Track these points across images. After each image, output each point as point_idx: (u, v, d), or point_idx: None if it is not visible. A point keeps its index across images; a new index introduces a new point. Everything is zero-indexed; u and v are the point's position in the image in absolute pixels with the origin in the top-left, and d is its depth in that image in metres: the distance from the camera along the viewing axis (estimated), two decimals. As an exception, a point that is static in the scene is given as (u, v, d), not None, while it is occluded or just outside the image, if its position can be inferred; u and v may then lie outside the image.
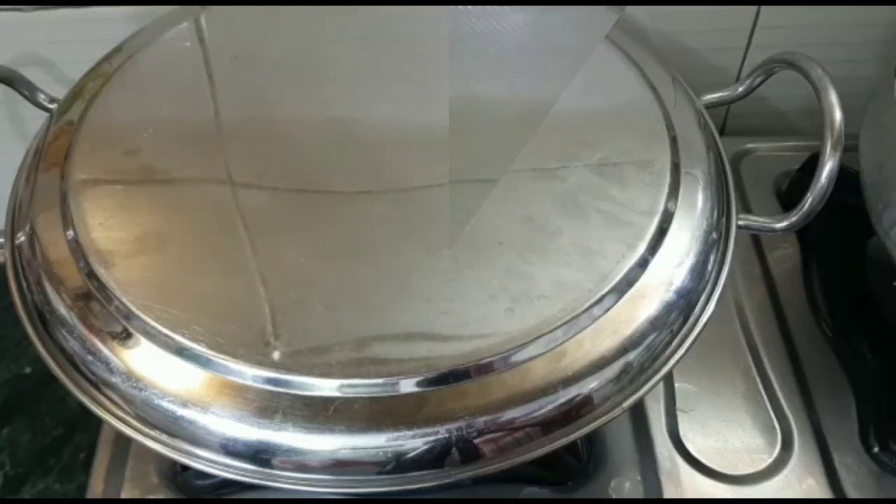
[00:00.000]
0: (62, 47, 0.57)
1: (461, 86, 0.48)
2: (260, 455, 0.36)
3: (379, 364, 0.36)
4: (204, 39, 0.50)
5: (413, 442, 0.36)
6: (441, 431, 0.36)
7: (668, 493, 0.47)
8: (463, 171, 0.43)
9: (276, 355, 0.36)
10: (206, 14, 0.51)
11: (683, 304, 0.40)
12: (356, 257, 0.40)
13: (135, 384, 0.37)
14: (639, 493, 0.48)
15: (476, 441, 0.36)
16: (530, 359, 0.37)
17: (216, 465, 0.37)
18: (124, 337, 0.37)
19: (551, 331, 0.37)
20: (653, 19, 0.60)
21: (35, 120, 0.49)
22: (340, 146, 0.44)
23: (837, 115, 0.41)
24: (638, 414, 0.50)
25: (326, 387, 0.36)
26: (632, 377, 0.39)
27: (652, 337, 0.39)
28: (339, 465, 0.36)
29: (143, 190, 0.42)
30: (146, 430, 0.38)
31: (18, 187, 0.45)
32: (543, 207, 0.41)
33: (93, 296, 0.38)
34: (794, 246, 0.59)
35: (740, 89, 0.49)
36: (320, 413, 0.35)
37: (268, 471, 0.37)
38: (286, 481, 0.37)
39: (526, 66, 0.49)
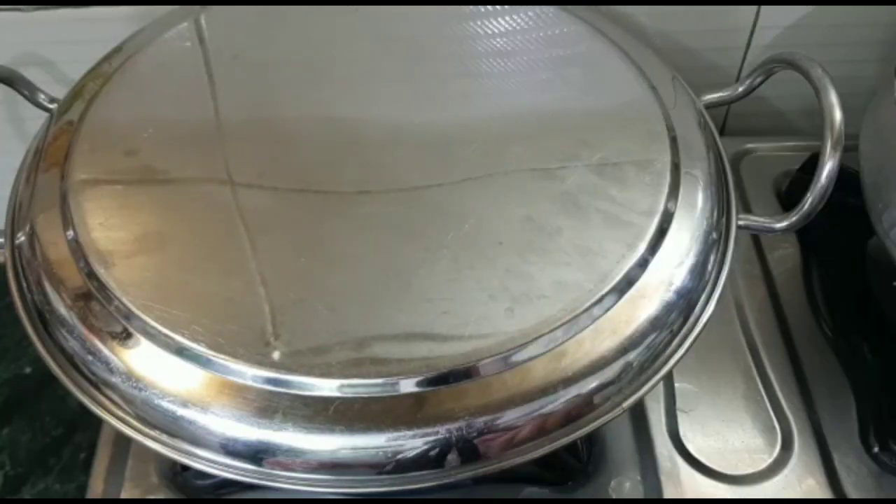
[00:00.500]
0: (62, 47, 0.57)
1: (461, 86, 0.48)
2: (260, 455, 0.36)
3: (379, 364, 0.36)
4: (204, 39, 0.50)
5: (413, 442, 0.36)
6: (441, 431, 0.36)
7: (668, 493, 0.47)
8: (463, 171, 0.43)
9: (276, 355, 0.36)
10: (206, 14, 0.51)
11: (683, 304, 0.40)
12: (356, 257, 0.40)
13: (135, 384, 0.37)
14: (639, 493, 0.48)
15: (476, 441, 0.36)
16: (530, 359, 0.37)
17: (216, 465, 0.37)
18: (124, 337, 0.37)
19: (551, 331, 0.37)
20: (653, 19, 0.60)
21: (35, 120, 0.49)
22: (340, 146, 0.44)
23: (837, 115, 0.41)
24: (638, 414, 0.50)
25: (326, 387, 0.36)
26: (632, 377, 0.39)
27: (652, 337, 0.39)
28: (339, 465, 0.36)
29: (143, 190, 0.42)
30: (146, 430, 0.38)
31: (18, 187, 0.45)
32: (543, 207, 0.41)
33: (93, 296, 0.38)
34: (794, 246, 0.59)
35: (740, 89, 0.49)
36: (320, 413, 0.35)
37: (268, 471, 0.37)
38: (286, 481, 0.37)
39: (526, 66, 0.49)
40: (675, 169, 0.43)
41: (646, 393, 0.39)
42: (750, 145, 0.64)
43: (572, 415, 0.37)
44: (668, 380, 0.52)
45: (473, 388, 0.36)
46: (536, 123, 0.45)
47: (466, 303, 0.38)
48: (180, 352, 0.36)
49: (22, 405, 0.58)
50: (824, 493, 0.48)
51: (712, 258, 0.42)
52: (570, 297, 0.38)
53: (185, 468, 0.49)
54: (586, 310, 0.38)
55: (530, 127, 0.45)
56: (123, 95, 0.47)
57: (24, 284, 0.41)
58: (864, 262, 0.57)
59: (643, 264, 0.39)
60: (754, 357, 0.53)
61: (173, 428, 0.37)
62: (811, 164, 0.57)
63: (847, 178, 0.46)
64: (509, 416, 0.36)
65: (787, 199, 0.61)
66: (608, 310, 0.38)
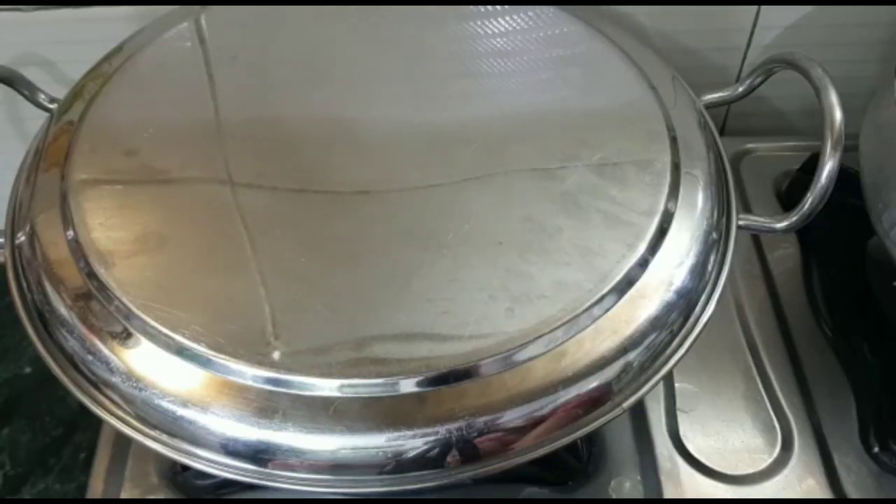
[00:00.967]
0: (62, 47, 0.57)
1: (461, 86, 0.48)
2: (260, 455, 0.36)
3: (379, 364, 0.36)
4: (204, 39, 0.50)
5: (413, 442, 0.36)
6: (441, 431, 0.36)
7: (668, 493, 0.47)
8: (463, 171, 0.43)
9: (276, 355, 0.36)
10: (206, 14, 0.51)
11: (683, 304, 0.40)
12: (356, 257, 0.40)
13: (135, 384, 0.37)
14: (639, 493, 0.48)
15: (476, 441, 0.36)
16: (530, 359, 0.37)
17: (216, 465, 0.37)
18: (124, 337, 0.37)
19: (551, 331, 0.37)
20: (653, 19, 0.60)
21: (35, 120, 0.49)
22: (341, 146, 0.44)
23: (837, 115, 0.41)
24: (638, 414, 0.50)
25: (326, 387, 0.36)
26: (632, 377, 0.39)
27: (652, 337, 0.39)
28: (339, 465, 0.36)
29: (143, 190, 0.42)
30: (146, 430, 0.38)
31: (18, 187, 0.45)
32: (543, 207, 0.41)
33: (93, 296, 0.38)
34: (794, 246, 0.59)
35: (740, 89, 0.49)
36: (320, 413, 0.35)
37: (268, 471, 0.37)
38: (286, 481, 0.37)
39: (526, 66, 0.49)
40: (675, 169, 0.43)
41: (646, 393, 0.39)
42: (750, 145, 0.64)
43: (572, 415, 0.37)
44: (668, 380, 0.52)
45: (473, 388, 0.36)
46: (536, 123, 0.45)
47: (466, 303, 0.38)
48: (180, 352, 0.36)
49: (22, 405, 0.58)
50: (824, 493, 0.48)
51: (712, 258, 0.42)
52: (570, 297, 0.38)
53: (185, 468, 0.49)
54: (586, 310, 0.38)
55: (530, 127, 0.45)
56: (123, 95, 0.47)
57: (25, 284, 0.41)
58: (864, 262, 0.57)
59: (643, 264, 0.39)
60: (754, 357, 0.53)
61: (173, 428, 0.37)
62: (811, 164, 0.57)
63: (847, 178, 0.46)
64: (509, 416, 0.36)
65: (787, 199, 0.61)
66: (608, 310, 0.38)
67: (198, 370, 0.36)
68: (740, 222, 0.44)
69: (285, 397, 0.36)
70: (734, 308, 0.55)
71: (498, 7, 0.51)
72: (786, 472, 0.48)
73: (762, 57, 0.48)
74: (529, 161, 0.43)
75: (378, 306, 0.38)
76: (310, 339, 0.37)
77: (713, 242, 0.42)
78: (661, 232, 0.41)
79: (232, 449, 0.36)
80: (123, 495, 0.48)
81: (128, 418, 0.38)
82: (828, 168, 0.41)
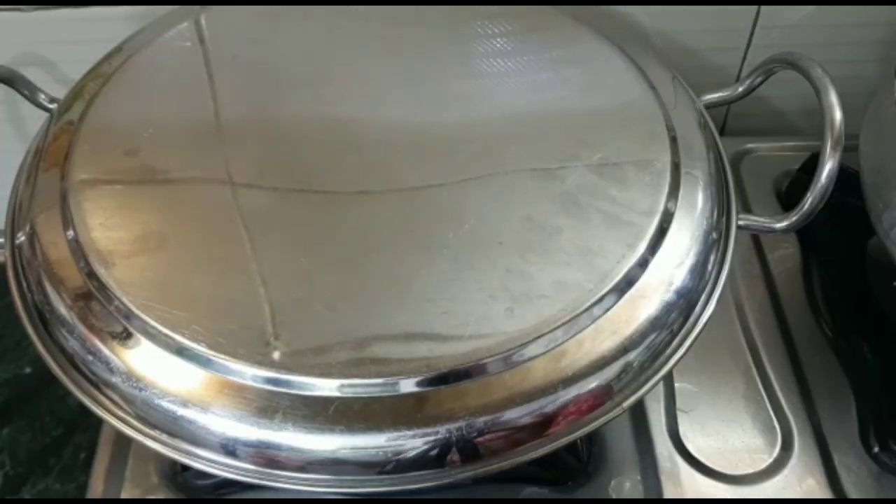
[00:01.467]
0: (62, 47, 0.57)
1: (461, 86, 0.48)
2: (260, 455, 0.36)
3: (379, 364, 0.36)
4: (204, 39, 0.50)
5: (413, 442, 0.36)
6: (441, 431, 0.36)
7: (668, 493, 0.47)
8: (463, 171, 0.43)
9: (276, 355, 0.36)
10: (206, 14, 0.51)
11: (683, 304, 0.40)
12: (356, 257, 0.40)
13: (135, 384, 0.37)
14: (639, 493, 0.48)
15: (476, 441, 0.36)
16: (530, 359, 0.37)
17: (216, 465, 0.37)
18: (124, 337, 0.37)
19: (551, 331, 0.37)
20: (653, 19, 0.60)
21: (35, 120, 0.49)
22: (341, 146, 0.44)
23: (837, 115, 0.41)
24: (638, 414, 0.50)
25: (326, 387, 0.36)
26: (632, 377, 0.39)
27: (652, 337, 0.39)
28: (339, 465, 0.36)
29: (143, 190, 0.42)
30: (146, 430, 0.38)
31: (18, 187, 0.45)
32: (543, 207, 0.41)
33: (93, 296, 0.38)
34: (794, 246, 0.59)
35: (740, 89, 0.49)
36: (320, 413, 0.35)
37: (268, 471, 0.37)
38: (286, 481, 0.37)
39: (526, 66, 0.49)
40: (675, 169, 0.43)
41: (646, 393, 0.39)
42: (750, 145, 0.64)
43: (572, 415, 0.37)
44: (668, 380, 0.52)
45: (473, 388, 0.36)
46: (536, 123, 0.45)
47: (466, 303, 0.38)
48: (180, 352, 0.36)
49: (22, 405, 0.58)
50: (824, 493, 0.48)
51: (712, 258, 0.42)
52: (570, 297, 0.38)
53: (185, 468, 0.49)
54: (586, 310, 0.38)
55: (530, 127, 0.45)
56: (123, 95, 0.47)
57: (25, 284, 0.41)
58: (864, 262, 0.57)
59: (643, 264, 0.39)
60: (754, 357, 0.53)
61: (173, 428, 0.37)
62: (811, 164, 0.57)
63: (847, 178, 0.46)
64: (509, 416, 0.36)
65: (787, 199, 0.61)
66: (608, 310, 0.38)
67: (198, 370, 0.36)
68: (740, 222, 0.44)
69: (285, 397, 0.36)
70: (734, 308, 0.55)
71: (498, 7, 0.51)
72: (786, 472, 0.48)
73: (762, 57, 0.48)
74: (529, 161, 0.43)
75: (378, 306, 0.38)
76: (310, 339, 0.37)
77: (713, 242, 0.42)
78: (661, 232, 0.41)
79: (232, 449, 0.36)
80: (123, 495, 0.48)
81: (128, 418, 0.38)
82: (828, 168, 0.41)
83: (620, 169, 0.43)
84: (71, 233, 0.40)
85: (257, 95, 0.47)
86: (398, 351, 0.36)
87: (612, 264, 0.39)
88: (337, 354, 0.36)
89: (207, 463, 0.37)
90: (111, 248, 0.39)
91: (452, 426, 0.36)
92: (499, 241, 0.40)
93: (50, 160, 0.44)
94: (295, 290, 0.38)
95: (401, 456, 0.36)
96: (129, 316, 0.37)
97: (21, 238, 0.42)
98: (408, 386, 0.36)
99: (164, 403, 0.37)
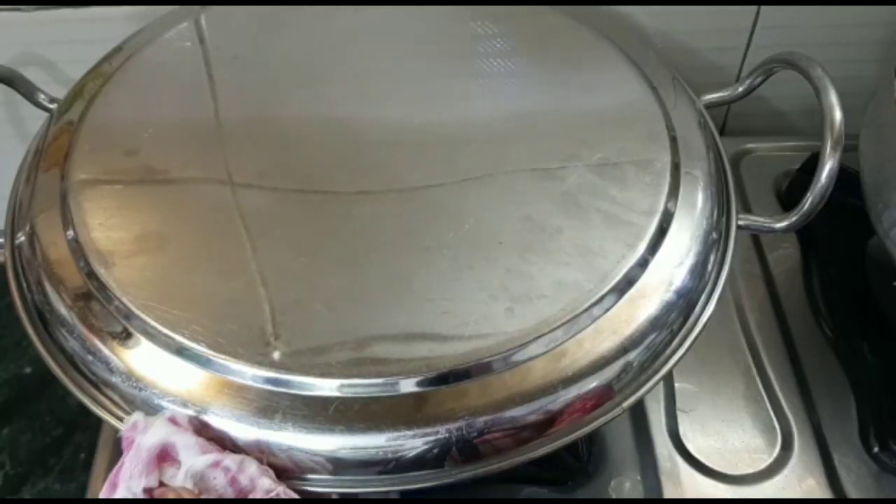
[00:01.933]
0: (62, 47, 0.57)
1: (461, 86, 0.48)
2: (260, 455, 0.36)
3: (379, 364, 0.36)
4: (204, 39, 0.50)
5: (413, 442, 0.36)
6: (441, 431, 0.36)
7: (668, 493, 0.47)
8: (463, 171, 0.43)
9: (276, 355, 0.36)
10: (206, 14, 0.51)
11: (683, 304, 0.40)
12: (356, 257, 0.40)
13: (135, 384, 0.37)
14: (639, 493, 0.48)
15: (476, 441, 0.36)
16: (530, 359, 0.37)
17: (216, 465, 0.37)
18: (124, 337, 0.37)
19: (551, 331, 0.37)
20: (653, 19, 0.60)
21: (35, 120, 0.49)
22: (340, 146, 0.44)
23: (837, 115, 0.41)
24: (638, 414, 0.50)
25: (326, 387, 0.36)
26: (632, 377, 0.39)
27: (652, 337, 0.39)
28: (338, 465, 0.36)
29: (143, 190, 0.42)
30: (146, 430, 0.38)
31: (18, 187, 0.45)
32: (543, 207, 0.41)
33: (93, 296, 0.38)
34: (794, 246, 0.59)
35: (740, 89, 0.49)
36: (320, 413, 0.35)
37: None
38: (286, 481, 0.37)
39: (526, 66, 0.49)
40: (675, 169, 0.43)
41: (646, 393, 0.39)
42: (750, 145, 0.64)
43: (572, 415, 0.37)
44: (668, 380, 0.52)
45: (473, 388, 0.36)
46: (536, 123, 0.46)
47: (466, 303, 0.38)
48: (180, 352, 0.36)
49: (22, 405, 0.58)
50: (824, 493, 0.48)
51: (712, 258, 0.42)
52: (570, 297, 0.38)
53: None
54: (586, 310, 0.38)
55: (530, 127, 0.45)
56: (123, 95, 0.47)
57: (25, 284, 0.41)
58: (864, 262, 0.57)
59: (643, 264, 0.39)
60: (754, 357, 0.53)
61: (173, 428, 0.37)
62: (811, 164, 0.57)
63: (847, 178, 0.46)
64: (509, 416, 0.36)
65: (787, 199, 0.61)
66: (608, 310, 0.38)
67: (198, 370, 0.36)
68: (740, 222, 0.44)
69: (285, 397, 0.36)
70: (734, 308, 0.55)
71: (498, 7, 0.51)
72: (786, 472, 0.48)
73: (762, 57, 0.48)
74: (529, 161, 0.43)
75: (378, 306, 0.38)
76: (310, 339, 0.37)
77: (713, 242, 0.42)
78: (661, 232, 0.41)
79: (232, 449, 0.36)
80: (123, 495, 0.48)
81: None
82: (828, 168, 0.41)
83: (620, 169, 0.43)
84: (71, 233, 0.40)
85: (257, 95, 0.47)
86: (398, 351, 0.36)
87: (612, 264, 0.39)
88: (337, 354, 0.36)
89: (207, 463, 0.37)
90: (111, 248, 0.39)
91: (452, 426, 0.36)
92: (499, 241, 0.40)
93: (50, 160, 0.44)
94: (295, 290, 0.38)
95: (401, 456, 0.36)
96: (129, 316, 0.37)
97: (21, 238, 0.42)
98: (408, 386, 0.36)
99: (164, 403, 0.37)
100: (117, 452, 0.49)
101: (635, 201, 0.41)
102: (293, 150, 0.44)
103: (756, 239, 0.59)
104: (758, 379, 0.52)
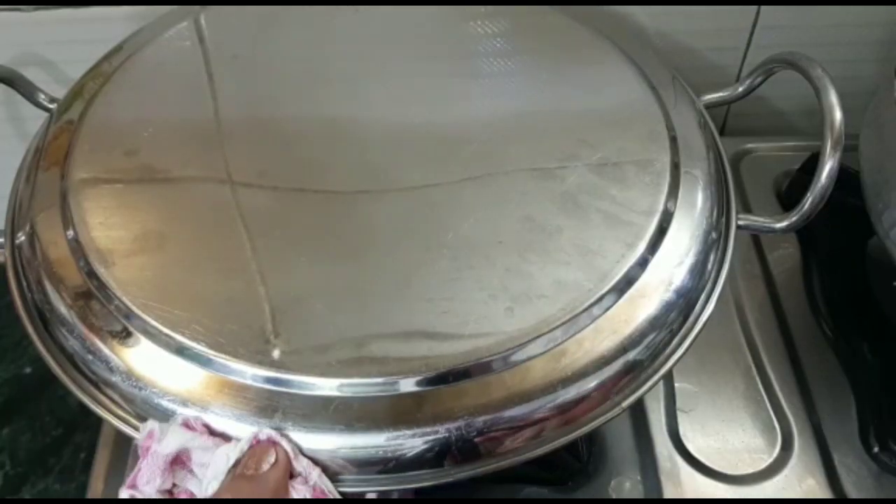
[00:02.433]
0: (62, 47, 0.57)
1: (461, 86, 0.48)
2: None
3: (379, 363, 0.36)
4: (204, 39, 0.50)
5: (412, 441, 0.36)
6: (441, 431, 0.36)
7: (668, 493, 0.47)
8: (463, 171, 0.43)
9: (275, 354, 0.36)
10: (206, 14, 0.51)
11: (683, 304, 0.40)
12: (356, 257, 0.40)
13: (135, 383, 0.37)
14: (639, 493, 0.48)
15: (476, 440, 0.36)
16: (530, 358, 0.37)
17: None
18: (124, 336, 0.37)
19: (551, 330, 0.37)
20: (653, 19, 0.60)
21: (35, 120, 0.49)
22: (340, 146, 0.44)
23: (837, 115, 0.41)
24: (638, 414, 0.50)
25: (326, 386, 0.36)
26: (632, 377, 0.39)
27: (652, 336, 0.39)
28: (338, 465, 0.36)
29: (143, 189, 0.42)
30: (146, 429, 0.38)
31: (18, 186, 0.45)
32: (543, 207, 0.41)
33: (93, 295, 0.38)
34: (794, 246, 0.59)
35: (740, 89, 0.49)
36: (320, 412, 0.35)
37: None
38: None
39: (526, 66, 0.49)
40: (675, 168, 0.43)
41: (646, 392, 0.39)
42: (750, 145, 0.64)
43: (572, 414, 0.37)
44: (668, 380, 0.52)
45: (473, 388, 0.36)
46: (536, 123, 0.45)
47: (466, 302, 0.38)
48: (180, 351, 0.36)
49: (22, 405, 0.58)
50: (824, 493, 0.48)
51: (712, 258, 0.42)
52: (569, 296, 0.38)
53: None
54: (586, 309, 0.38)
55: (530, 127, 0.45)
56: (123, 95, 0.47)
57: (25, 284, 0.41)
58: (864, 262, 0.57)
59: (643, 264, 0.39)
60: (754, 357, 0.53)
61: (173, 427, 0.37)
62: (811, 164, 0.57)
63: (847, 178, 0.46)
64: (509, 416, 0.36)
65: (787, 199, 0.61)
66: (608, 309, 0.38)
67: (198, 369, 0.36)
68: (740, 222, 0.44)
69: (285, 396, 0.36)
70: (734, 308, 0.55)
71: (498, 7, 0.51)
72: (786, 472, 0.48)
73: (762, 57, 0.48)
74: (529, 161, 0.43)
75: (378, 305, 0.38)
76: (309, 339, 0.37)
77: (713, 242, 0.42)
78: (661, 231, 0.41)
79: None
80: (123, 495, 0.48)
81: (128, 417, 0.38)
82: (828, 168, 0.41)
83: (620, 169, 0.43)
84: (71, 232, 0.40)
85: (257, 95, 0.47)
86: (398, 350, 0.36)
87: (612, 264, 0.39)
88: (336, 353, 0.36)
89: (207, 462, 0.37)
90: (111, 248, 0.39)
91: (452, 425, 0.36)
92: (498, 241, 0.40)
93: (50, 160, 0.44)
94: (294, 289, 0.38)
95: (400, 455, 0.36)
96: (129, 315, 0.37)
97: (21, 237, 0.42)
98: (407, 385, 0.36)
99: (164, 402, 0.37)
100: (117, 453, 0.50)
101: (635, 201, 0.41)
102: (293, 149, 0.44)
103: (756, 239, 0.59)
104: (758, 379, 0.52)
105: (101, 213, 0.41)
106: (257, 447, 0.35)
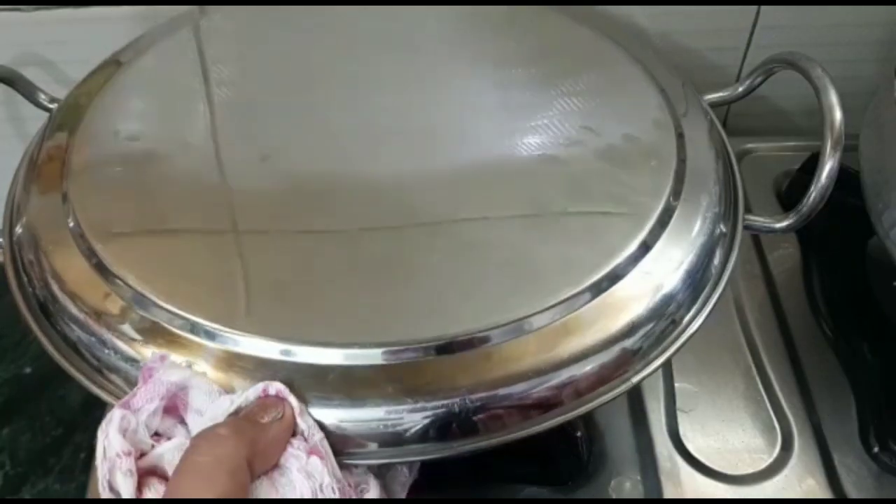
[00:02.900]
0: (62, 47, 0.57)
1: (461, 85, 0.48)
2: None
3: (379, 335, 0.36)
4: (203, 42, 0.50)
5: (413, 415, 0.35)
6: (442, 404, 0.35)
7: (668, 493, 0.47)
8: (463, 163, 0.43)
9: (277, 327, 0.36)
10: (206, 18, 0.51)
11: (688, 288, 0.40)
12: (357, 231, 0.40)
13: (139, 367, 0.37)
14: (639, 493, 0.48)
15: (477, 414, 0.36)
16: (534, 331, 0.36)
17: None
18: (130, 319, 0.37)
19: (555, 305, 0.37)
20: (653, 19, 0.60)
21: (35, 120, 0.49)
22: (340, 144, 0.44)
23: (837, 115, 0.41)
24: (638, 414, 0.50)
25: (326, 358, 0.35)
26: (634, 357, 0.38)
27: (655, 320, 0.39)
28: (338, 437, 0.36)
29: (143, 189, 0.42)
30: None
31: (16, 187, 0.45)
32: (549, 191, 0.41)
33: (95, 283, 0.38)
34: (794, 246, 0.59)
35: (740, 89, 0.49)
36: (320, 384, 0.35)
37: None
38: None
39: (526, 66, 0.49)
40: (682, 163, 0.43)
41: (650, 374, 0.39)
42: (750, 145, 0.64)
43: (575, 390, 0.37)
44: (669, 379, 0.52)
45: (475, 361, 0.36)
46: (543, 123, 0.45)
47: (469, 276, 0.38)
48: (184, 331, 0.36)
49: (22, 405, 0.58)
50: (824, 493, 0.48)
51: (718, 251, 0.42)
52: (573, 275, 0.38)
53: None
54: (589, 287, 0.37)
55: (536, 123, 0.45)
56: (123, 95, 0.47)
57: (25, 278, 0.41)
58: (864, 262, 0.57)
59: (648, 246, 0.39)
60: (754, 357, 0.53)
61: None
62: (811, 164, 0.57)
63: (847, 178, 0.46)
64: (511, 390, 0.36)
65: (787, 199, 0.61)
66: (612, 288, 0.38)
67: (203, 343, 0.36)
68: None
69: (287, 367, 0.35)
70: (734, 308, 0.55)
71: (499, 7, 0.51)
72: (786, 472, 0.48)
73: (762, 57, 0.48)
74: (535, 150, 0.43)
75: (381, 277, 0.38)
76: (310, 311, 0.37)
77: (720, 235, 0.42)
78: (662, 224, 0.40)
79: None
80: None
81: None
82: (828, 168, 0.41)
83: (626, 163, 0.43)
84: (72, 227, 0.40)
85: (256, 97, 0.47)
86: (399, 323, 0.36)
87: (618, 245, 0.39)
88: (338, 325, 0.36)
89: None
90: (111, 244, 0.39)
91: (454, 398, 0.35)
92: (502, 220, 0.40)
93: (49, 160, 0.44)
94: (295, 264, 0.39)
95: (401, 428, 0.36)
96: (133, 298, 0.37)
97: (19, 230, 0.42)
98: (409, 357, 0.36)
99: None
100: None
101: (640, 188, 0.41)
102: (293, 149, 0.44)
103: (756, 239, 0.59)
104: (758, 379, 0.52)
105: (102, 212, 0.41)
106: (265, 399, 0.35)
